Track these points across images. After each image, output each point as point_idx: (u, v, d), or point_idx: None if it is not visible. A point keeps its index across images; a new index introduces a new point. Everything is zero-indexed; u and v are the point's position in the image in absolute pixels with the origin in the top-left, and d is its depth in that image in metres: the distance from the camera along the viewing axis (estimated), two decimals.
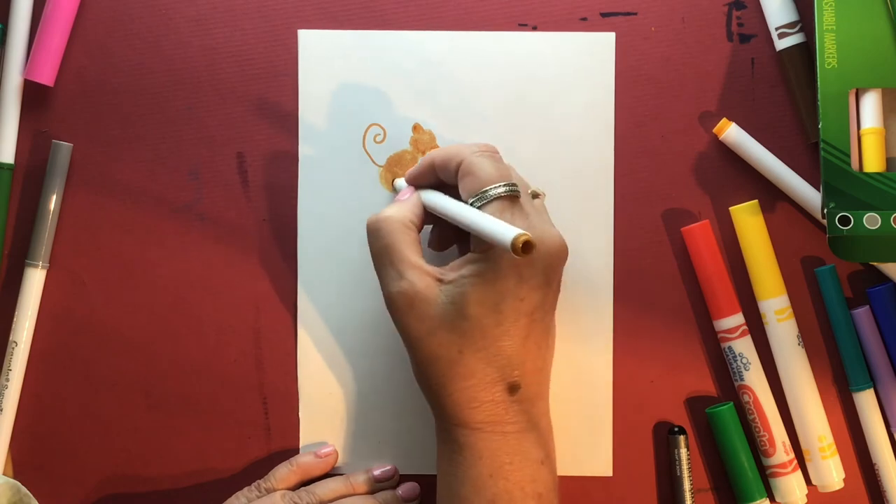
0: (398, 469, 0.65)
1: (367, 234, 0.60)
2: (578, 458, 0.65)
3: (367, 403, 0.66)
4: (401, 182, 0.65)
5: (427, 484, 0.65)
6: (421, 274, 0.58)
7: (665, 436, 0.65)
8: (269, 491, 0.63)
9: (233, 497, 0.63)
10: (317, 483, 0.64)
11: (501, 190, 0.58)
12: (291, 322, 0.66)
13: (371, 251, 0.60)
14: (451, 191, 0.61)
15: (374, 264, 0.60)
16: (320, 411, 0.66)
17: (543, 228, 0.59)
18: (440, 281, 0.58)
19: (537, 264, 0.58)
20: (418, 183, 0.63)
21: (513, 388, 0.58)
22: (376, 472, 0.65)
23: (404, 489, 0.65)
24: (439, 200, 0.60)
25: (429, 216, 0.62)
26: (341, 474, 0.65)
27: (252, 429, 0.66)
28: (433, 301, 0.58)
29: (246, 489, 0.64)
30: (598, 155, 0.66)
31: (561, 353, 0.64)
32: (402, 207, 0.61)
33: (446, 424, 0.59)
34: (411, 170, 0.63)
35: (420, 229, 0.61)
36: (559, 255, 0.59)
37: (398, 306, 0.58)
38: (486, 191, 0.58)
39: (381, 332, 0.66)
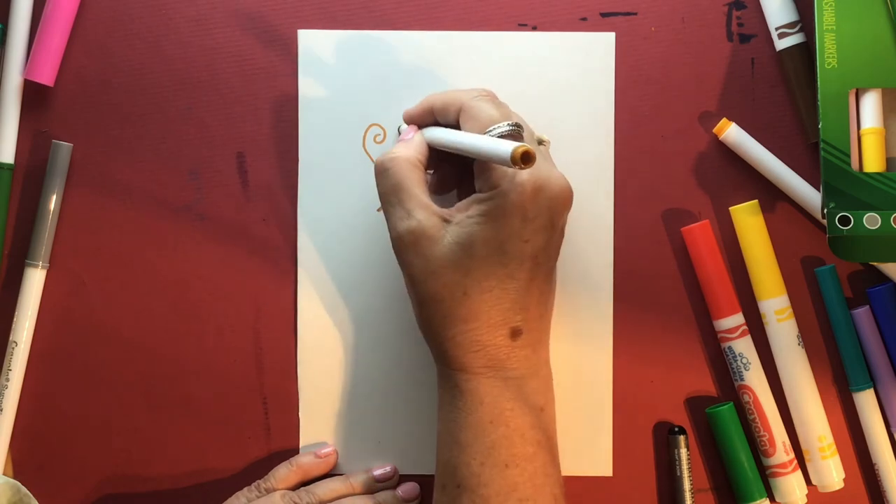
0: (398, 469, 0.65)
1: (375, 175, 0.60)
2: (578, 458, 0.65)
3: (366, 403, 0.66)
4: (405, 126, 0.64)
5: (427, 484, 0.65)
6: (429, 213, 0.58)
7: (665, 436, 0.65)
8: (269, 491, 0.63)
9: (233, 497, 0.63)
10: (317, 483, 0.64)
11: (505, 129, 0.57)
12: (291, 322, 0.66)
13: (379, 191, 0.60)
14: None
15: (383, 204, 0.60)
16: (320, 411, 0.66)
17: (549, 170, 0.58)
18: (446, 221, 0.58)
19: (542, 206, 0.57)
20: (417, 122, 0.63)
21: (515, 334, 0.58)
22: (376, 473, 0.65)
23: (404, 489, 0.65)
24: (440, 134, 0.60)
25: (431, 160, 0.62)
26: (341, 474, 0.65)
27: (252, 429, 0.66)
28: (439, 240, 0.58)
29: (246, 489, 0.64)
30: (598, 155, 0.66)
31: (561, 354, 0.64)
32: (409, 147, 0.61)
33: (447, 370, 0.59)
34: (410, 109, 0.63)
35: (427, 168, 0.61)
36: (563, 197, 0.59)
37: (404, 244, 0.58)
38: (490, 131, 0.57)
39: (381, 331, 0.66)
